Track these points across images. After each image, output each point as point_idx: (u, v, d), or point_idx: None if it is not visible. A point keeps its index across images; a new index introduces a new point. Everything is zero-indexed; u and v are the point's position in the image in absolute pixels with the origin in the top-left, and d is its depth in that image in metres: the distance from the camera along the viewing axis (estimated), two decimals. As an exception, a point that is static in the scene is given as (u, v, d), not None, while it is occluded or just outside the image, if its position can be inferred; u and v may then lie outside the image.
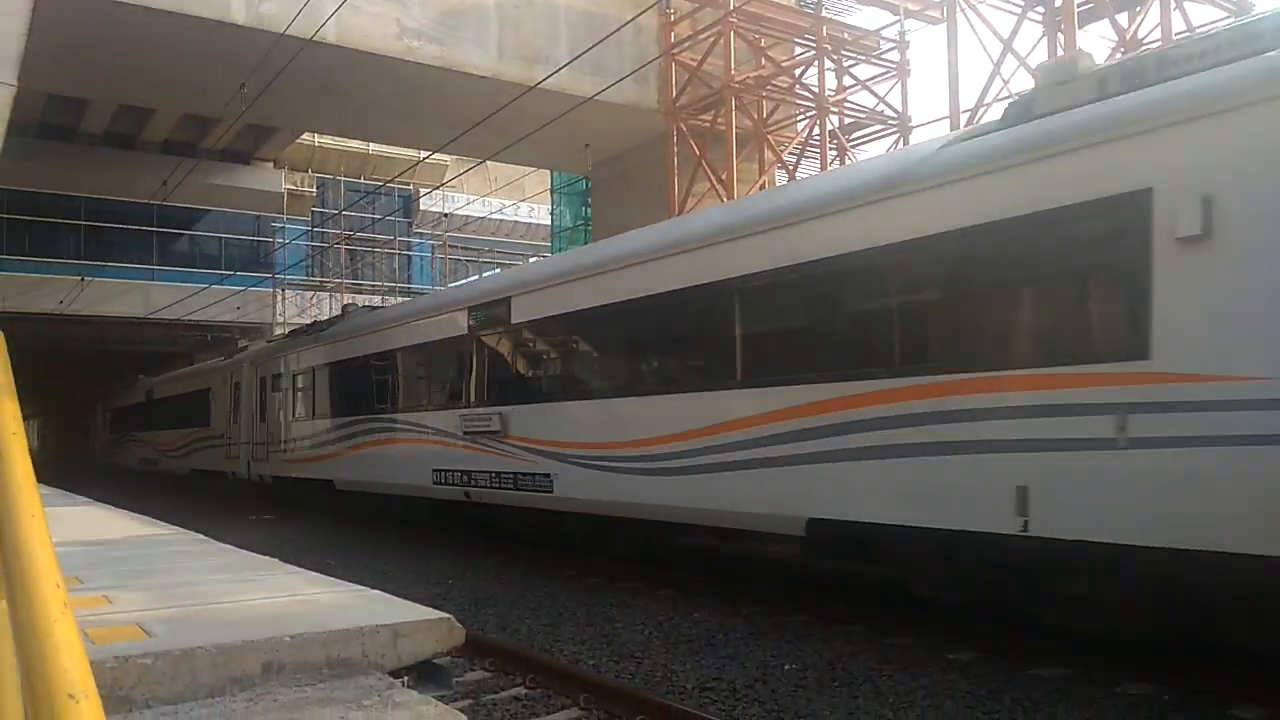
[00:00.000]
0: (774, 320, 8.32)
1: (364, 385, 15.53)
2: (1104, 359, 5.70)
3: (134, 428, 33.38)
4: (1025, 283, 6.37)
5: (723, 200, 17.45)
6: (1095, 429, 5.62)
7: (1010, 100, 8.04)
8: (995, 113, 16.83)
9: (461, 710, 5.72)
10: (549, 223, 30.84)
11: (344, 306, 20.48)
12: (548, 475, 10.59)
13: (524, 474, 11.00)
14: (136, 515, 7.94)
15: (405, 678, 2.36)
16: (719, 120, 18.76)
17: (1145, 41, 16.60)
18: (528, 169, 27.87)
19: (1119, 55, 16.55)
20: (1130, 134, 5.63)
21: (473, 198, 35.38)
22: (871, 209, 7.16)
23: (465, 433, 12.20)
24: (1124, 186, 5.60)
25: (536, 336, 11.52)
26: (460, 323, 12.60)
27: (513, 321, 11.51)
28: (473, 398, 12.33)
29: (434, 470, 12.92)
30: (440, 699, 2.20)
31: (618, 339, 10.10)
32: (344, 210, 33.54)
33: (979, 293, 6.55)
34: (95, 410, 41.65)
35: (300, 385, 18.26)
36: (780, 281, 7.92)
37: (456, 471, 12.41)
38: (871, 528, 6.99)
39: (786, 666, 6.55)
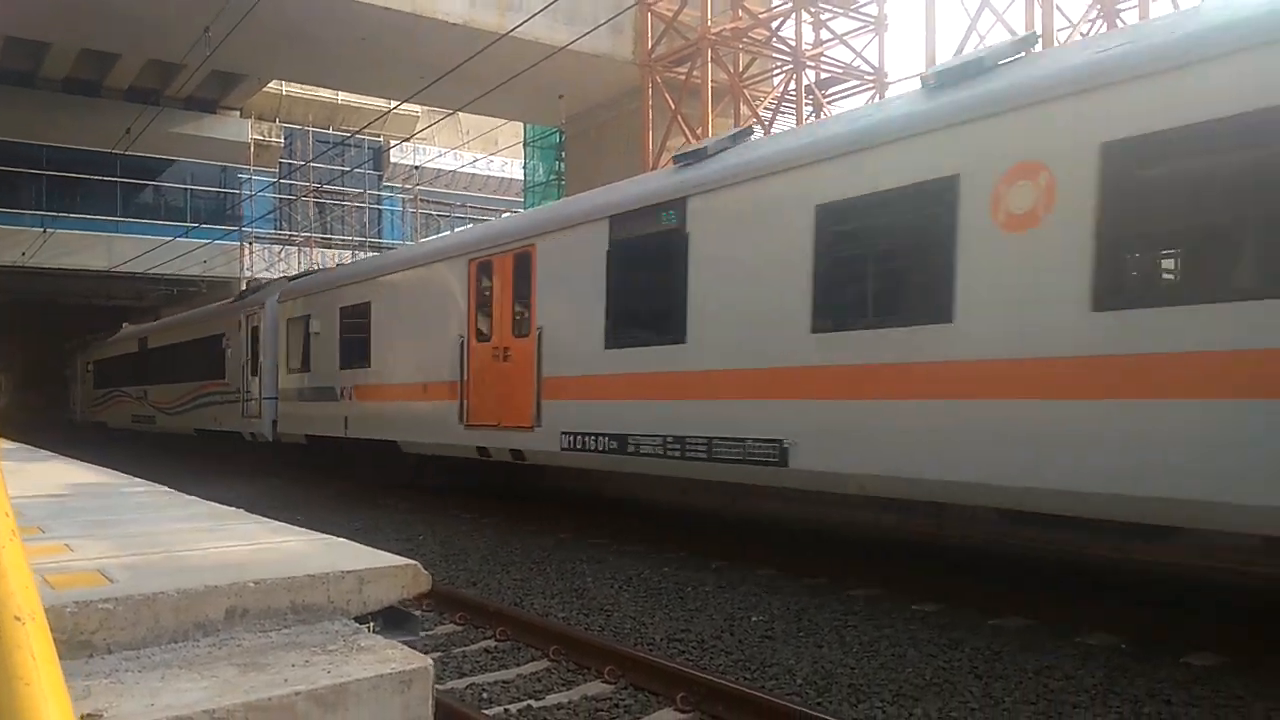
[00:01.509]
0: (167, 359, 24.16)
1: (115, 372, 29.68)
2: (229, 378, 19.63)
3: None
4: (203, 355, 21.00)
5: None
6: (221, 397, 20.18)
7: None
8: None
9: (432, 663, 5.79)
10: (522, 177, 30.53)
11: (123, 324, 32.05)
12: (154, 416, 24.98)
13: (149, 416, 25.43)
14: (101, 469, 7.85)
15: (371, 623, 2.36)
16: (695, 73, 18.57)
17: (1122, 2, 16.55)
18: (500, 121, 27.49)
19: (1095, 13, 16.51)
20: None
21: (444, 150, 34.91)
22: (174, 330, 24.53)
23: (135, 398, 26.95)
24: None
25: (151, 355, 25.70)
26: (136, 344, 27.22)
27: (149, 347, 26.02)
28: (140, 381, 26.59)
29: (132, 416, 27.37)
30: (407, 644, 2.20)
31: (168, 360, 23.93)
32: (312, 162, 32.94)
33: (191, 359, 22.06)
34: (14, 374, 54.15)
35: (95, 370, 33.05)
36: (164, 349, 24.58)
37: (142, 415, 26.35)
38: (209, 430, 20.50)
39: (753, 618, 6.63)
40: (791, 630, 6.29)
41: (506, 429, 10.70)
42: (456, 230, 16.11)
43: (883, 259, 7.12)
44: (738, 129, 9.56)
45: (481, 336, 11.32)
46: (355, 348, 14.33)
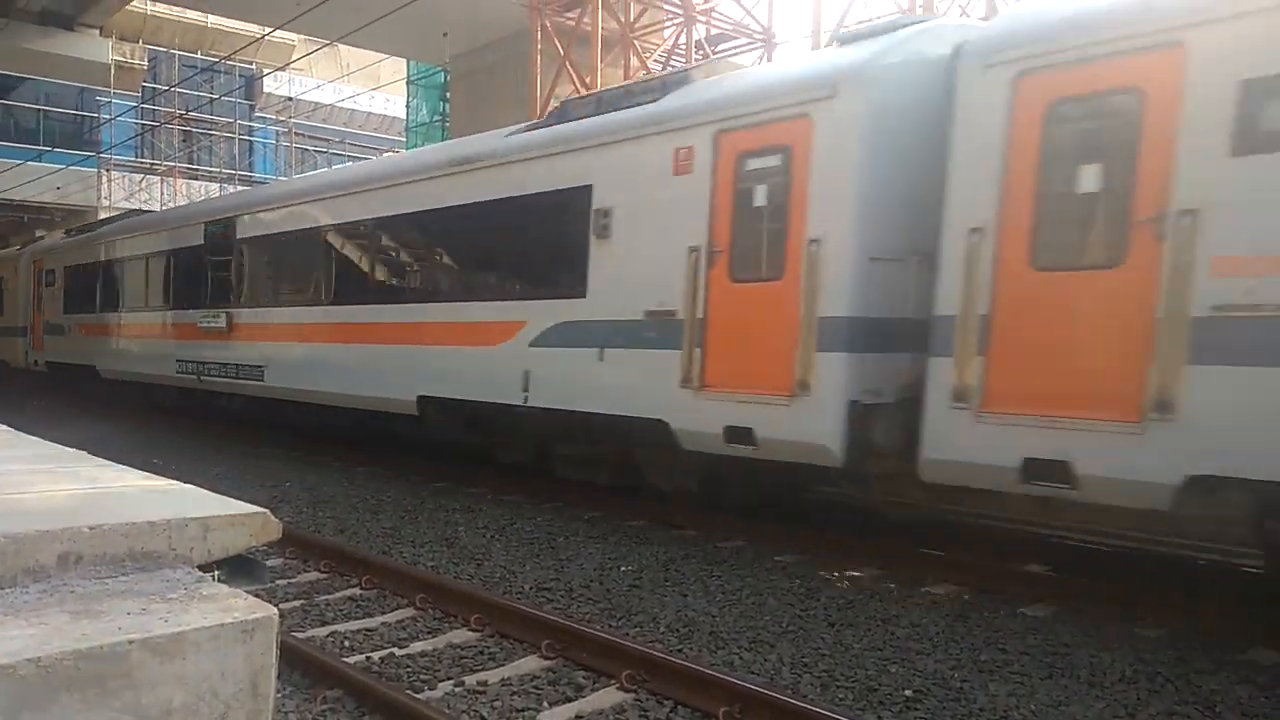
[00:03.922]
0: None
1: None
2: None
3: None
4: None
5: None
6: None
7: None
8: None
9: (293, 610, 5.66)
10: (404, 116, 29.54)
11: None
12: None
13: None
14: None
15: (216, 572, 2.28)
16: (585, 19, 18.27)
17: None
18: (382, 56, 26.49)
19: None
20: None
21: (322, 83, 33.42)
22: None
23: None
24: None
25: None
26: None
27: None
28: None
29: None
30: (255, 593, 2.14)
31: None
32: (177, 87, 31.03)
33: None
34: None
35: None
36: None
37: None
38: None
39: (623, 568, 6.75)
40: (659, 580, 6.42)
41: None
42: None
43: None
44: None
45: None
46: None
